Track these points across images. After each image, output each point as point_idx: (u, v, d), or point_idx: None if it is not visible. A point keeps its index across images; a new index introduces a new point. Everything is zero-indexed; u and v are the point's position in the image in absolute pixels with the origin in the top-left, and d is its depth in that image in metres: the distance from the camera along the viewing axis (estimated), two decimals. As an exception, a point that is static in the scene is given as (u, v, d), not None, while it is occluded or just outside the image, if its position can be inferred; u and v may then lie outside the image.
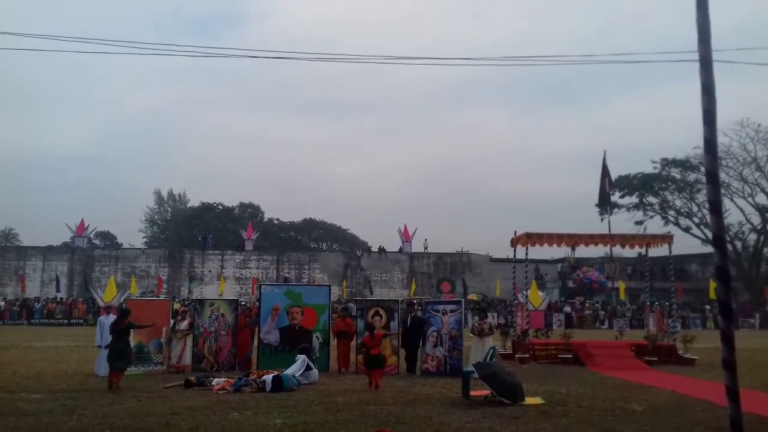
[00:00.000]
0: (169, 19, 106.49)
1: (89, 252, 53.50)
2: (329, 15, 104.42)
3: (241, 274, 53.05)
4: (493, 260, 54.61)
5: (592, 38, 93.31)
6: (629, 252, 23.19)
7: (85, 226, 53.48)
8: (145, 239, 77.64)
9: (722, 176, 48.57)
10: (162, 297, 37.82)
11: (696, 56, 4.68)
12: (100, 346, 13.89)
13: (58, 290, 46.57)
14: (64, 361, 16.58)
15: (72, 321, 39.67)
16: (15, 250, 54.46)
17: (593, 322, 40.99)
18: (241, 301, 19.85)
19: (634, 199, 56.26)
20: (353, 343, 15.09)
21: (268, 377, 11.53)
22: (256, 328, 15.08)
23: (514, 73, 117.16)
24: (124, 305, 14.72)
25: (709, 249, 46.32)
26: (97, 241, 65.30)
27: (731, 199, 50.90)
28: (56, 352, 18.99)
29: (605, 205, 30.31)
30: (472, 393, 10.48)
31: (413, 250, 55.40)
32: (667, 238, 18.57)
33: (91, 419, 8.56)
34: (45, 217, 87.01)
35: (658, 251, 19.38)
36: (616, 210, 53.26)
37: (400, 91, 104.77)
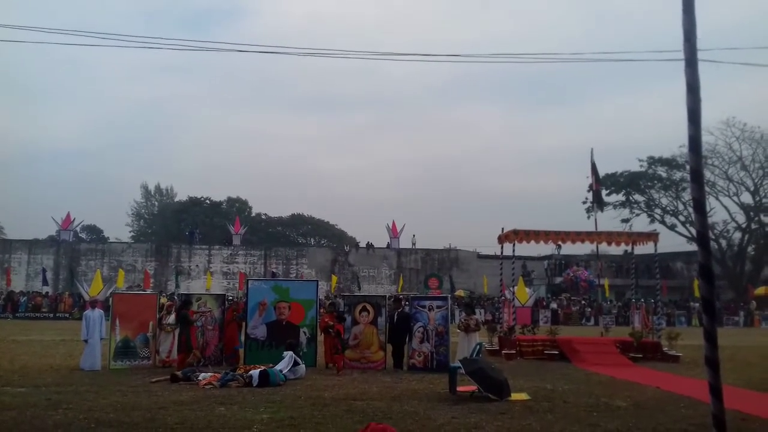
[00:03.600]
0: (160, 13, 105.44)
1: (75, 246, 52.99)
2: (321, 11, 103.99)
3: (229, 269, 52.81)
4: (480, 257, 54.77)
5: (583, 36, 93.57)
6: (615, 249, 23.37)
7: (71, 220, 52.89)
8: (132, 233, 77.12)
9: (707, 175, 48.99)
10: (149, 291, 37.61)
11: (682, 55, 4.71)
12: (86, 341, 13.84)
13: (44, 284, 46.13)
14: (49, 355, 16.47)
15: (58, 315, 39.33)
16: (0, 243, 53.90)
17: (579, 319, 41.30)
18: (228, 296, 19.75)
19: (620, 197, 56.58)
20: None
21: (255, 372, 11.53)
22: (244, 323, 15.06)
23: (506, 71, 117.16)
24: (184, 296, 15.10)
25: (694, 247, 46.75)
26: (83, 235, 64.73)
27: (716, 198, 51.42)
28: (41, 346, 18.84)
29: (598, 203, 30.23)
30: (459, 388, 10.53)
31: (401, 246, 55.44)
32: (653, 236, 18.75)
33: (76, 413, 8.53)
34: (30, 210, 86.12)
35: (643, 249, 19.60)
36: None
37: (391, 87, 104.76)
